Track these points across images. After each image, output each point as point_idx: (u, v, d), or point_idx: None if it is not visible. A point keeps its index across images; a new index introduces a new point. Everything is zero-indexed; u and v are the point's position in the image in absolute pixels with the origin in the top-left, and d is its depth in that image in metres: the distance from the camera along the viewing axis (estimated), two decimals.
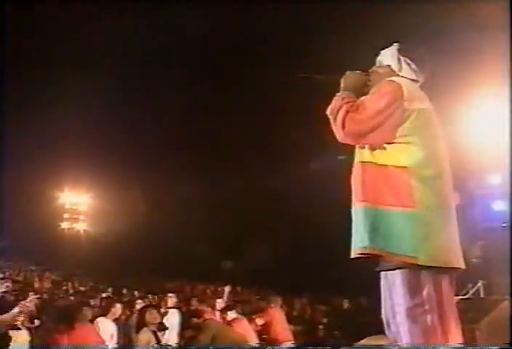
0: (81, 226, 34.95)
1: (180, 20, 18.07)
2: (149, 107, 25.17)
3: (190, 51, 20.82)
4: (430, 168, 2.43)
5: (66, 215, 34.85)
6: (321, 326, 9.59)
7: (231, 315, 7.37)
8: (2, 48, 18.19)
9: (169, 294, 8.91)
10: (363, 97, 2.53)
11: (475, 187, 7.49)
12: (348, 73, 2.67)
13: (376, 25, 10.98)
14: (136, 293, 12.43)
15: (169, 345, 6.41)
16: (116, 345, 6.19)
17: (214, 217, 22.87)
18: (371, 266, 2.46)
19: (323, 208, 14.84)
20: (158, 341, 6.04)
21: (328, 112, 2.51)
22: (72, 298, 10.21)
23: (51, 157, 25.92)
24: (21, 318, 5.19)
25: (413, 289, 2.32)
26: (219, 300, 8.55)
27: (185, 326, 6.84)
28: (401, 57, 2.61)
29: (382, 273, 2.45)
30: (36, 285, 14.54)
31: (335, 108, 2.48)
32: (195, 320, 6.62)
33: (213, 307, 8.13)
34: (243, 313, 7.58)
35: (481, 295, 6.59)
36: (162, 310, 7.63)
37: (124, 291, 13.23)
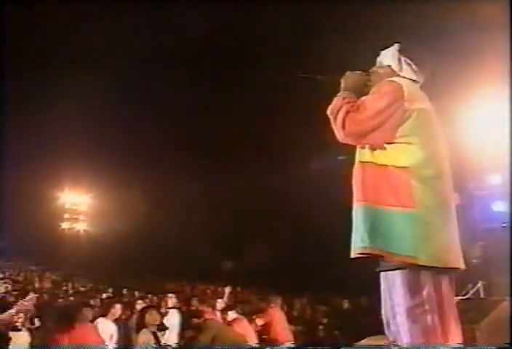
0: (81, 226, 34.95)
1: (179, 20, 18.06)
2: (149, 107, 25.16)
3: (190, 51, 20.81)
4: (430, 168, 2.43)
5: (66, 215, 34.84)
6: (321, 327, 9.58)
7: (231, 315, 7.37)
8: (2, 48, 18.19)
9: (169, 295, 8.91)
10: (363, 97, 2.53)
11: (475, 187, 7.48)
12: (348, 73, 2.67)
13: (376, 25, 10.97)
14: (136, 293, 12.44)
15: (168, 345, 6.40)
16: (115, 346, 6.18)
17: (214, 217, 22.85)
18: (371, 266, 2.46)
19: (323, 208, 14.83)
20: (158, 342, 6.04)
21: (328, 112, 2.52)
22: (72, 298, 10.23)
23: (51, 157, 25.93)
24: (21, 320, 5.19)
25: (413, 289, 2.32)
26: (219, 300, 8.55)
27: (185, 326, 6.84)
28: (402, 58, 2.62)
29: (382, 273, 2.45)
30: (36, 285, 14.56)
31: (335, 108, 2.48)
32: (195, 320, 6.62)
33: (213, 308, 8.13)
34: (243, 313, 7.58)
35: (481, 295, 6.58)
36: (162, 310, 7.63)
37: (124, 291, 13.22)
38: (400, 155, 2.42)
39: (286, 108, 17.65)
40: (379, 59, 2.72)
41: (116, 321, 6.56)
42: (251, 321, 7.65)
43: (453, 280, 2.44)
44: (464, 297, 6.24)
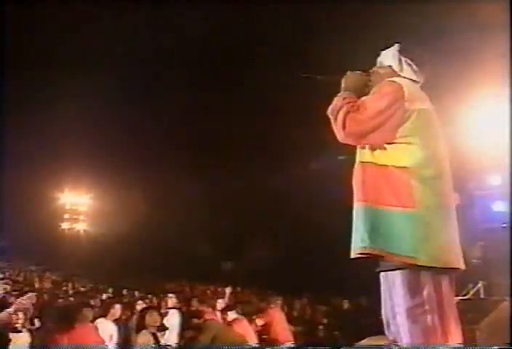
0: (81, 226, 34.95)
1: (180, 20, 18.07)
2: (149, 107, 25.15)
3: (190, 51, 20.81)
4: (430, 168, 2.43)
5: (66, 215, 34.85)
6: (321, 327, 9.58)
7: (231, 315, 7.37)
8: (2, 48, 18.19)
9: (169, 295, 8.89)
10: (364, 97, 2.53)
11: (475, 187, 7.48)
12: (348, 73, 2.67)
13: (376, 25, 10.96)
14: (136, 293, 12.42)
15: (168, 346, 6.40)
16: (115, 346, 6.18)
17: (214, 217, 22.86)
18: (371, 266, 2.46)
19: (323, 208, 14.85)
20: (158, 343, 6.03)
21: (329, 112, 2.52)
22: (72, 298, 10.22)
23: (51, 157, 25.93)
24: (21, 321, 5.18)
25: (413, 290, 2.32)
26: (219, 301, 8.54)
27: (185, 326, 6.83)
28: (402, 58, 2.61)
29: (382, 273, 2.45)
30: (36, 285, 14.54)
31: (336, 108, 2.48)
32: (195, 320, 6.62)
33: (213, 308, 8.13)
34: (243, 314, 7.58)
35: (481, 296, 6.59)
36: (162, 310, 7.62)
37: (124, 291, 13.21)
38: (400, 155, 2.42)
39: (286, 108, 17.64)
40: (379, 59, 2.72)
41: (116, 321, 6.56)
42: (251, 321, 7.65)
43: (453, 280, 2.44)
44: (464, 297, 6.24)
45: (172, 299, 8.46)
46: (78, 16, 19.88)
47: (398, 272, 2.35)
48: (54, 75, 22.57)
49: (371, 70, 2.70)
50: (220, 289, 13.26)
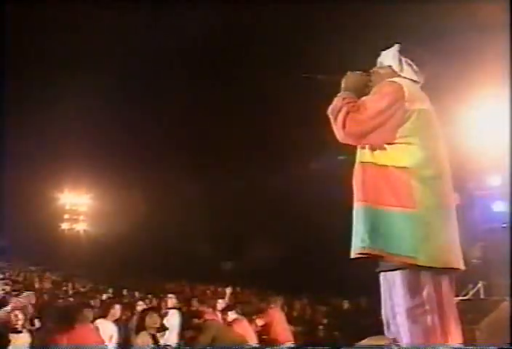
0: (81, 226, 34.93)
1: (180, 20, 18.05)
2: (149, 107, 25.15)
3: (190, 51, 20.80)
4: (430, 168, 2.43)
5: (66, 216, 34.84)
6: (321, 327, 9.58)
7: (231, 315, 7.37)
8: (2, 48, 18.18)
9: (169, 295, 8.89)
10: (364, 98, 2.53)
11: (475, 187, 7.49)
12: (349, 73, 2.67)
13: (376, 25, 10.96)
14: (136, 294, 12.42)
15: (168, 346, 6.40)
16: (115, 346, 6.18)
17: (214, 217, 22.86)
18: (371, 266, 2.46)
19: (323, 208, 14.84)
20: (158, 344, 6.03)
21: (329, 112, 2.52)
22: (72, 299, 10.22)
23: (51, 157, 25.92)
24: (20, 321, 5.17)
25: (413, 290, 2.32)
26: (219, 301, 8.54)
27: (185, 326, 6.83)
28: (403, 58, 2.61)
29: (382, 273, 2.45)
30: (36, 285, 14.53)
31: (336, 108, 2.48)
32: (195, 320, 6.62)
33: (213, 308, 8.13)
34: (243, 314, 7.58)
35: (481, 296, 6.60)
36: (162, 311, 7.62)
37: (124, 292, 13.21)
38: (400, 155, 2.42)
39: (286, 108, 17.63)
40: (379, 59, 2.72)
41: (116, 321, 6.56)
42: (251, 321, 7.65)
43: (453, 280, 2.44)
44: (464, 298, 6.25)
45: (172, 300, 8.45)
46: (78, 16, 19.89)
47: (398, 272, 2.35)
48: (54, 75, 22.58)
49: (371, 71, 2.70)
50: (220, 289, 13.26)
